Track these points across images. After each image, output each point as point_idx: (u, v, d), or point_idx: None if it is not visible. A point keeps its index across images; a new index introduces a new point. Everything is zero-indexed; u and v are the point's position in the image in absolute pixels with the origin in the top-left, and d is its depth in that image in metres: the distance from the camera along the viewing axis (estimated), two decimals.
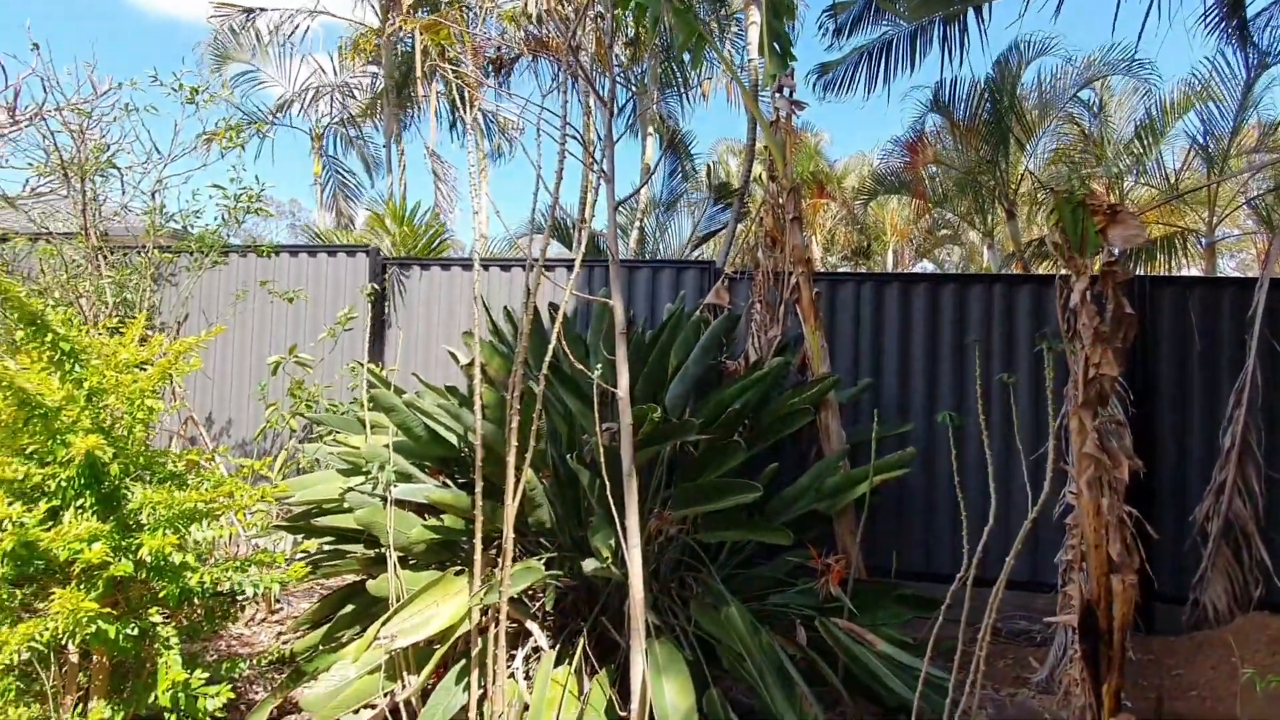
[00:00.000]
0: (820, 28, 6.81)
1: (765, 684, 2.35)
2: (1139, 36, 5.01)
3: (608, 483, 2.45)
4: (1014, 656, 3.77)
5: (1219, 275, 11.63)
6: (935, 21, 6.16)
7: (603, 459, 2.48)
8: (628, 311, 4.86)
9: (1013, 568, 2.37)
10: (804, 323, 3.95)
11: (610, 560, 2.61)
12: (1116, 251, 2.99)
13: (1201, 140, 10.37)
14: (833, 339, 4.73)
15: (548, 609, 3.18)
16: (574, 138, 2.57)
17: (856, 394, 4.34)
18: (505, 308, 4.23)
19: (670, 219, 9.74)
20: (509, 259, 5.34)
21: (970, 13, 5.97)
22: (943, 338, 4.67)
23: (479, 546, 2.59)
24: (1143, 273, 10.60)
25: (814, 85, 7.27)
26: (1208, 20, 6.53)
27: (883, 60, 6.77)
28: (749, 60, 7.99)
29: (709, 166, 10.20)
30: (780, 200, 4.14)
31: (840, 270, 14.99)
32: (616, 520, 2.40)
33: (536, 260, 2.67)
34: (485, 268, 5.23)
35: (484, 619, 2.65)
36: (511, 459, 2.47)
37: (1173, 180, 11.52)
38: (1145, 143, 11.13)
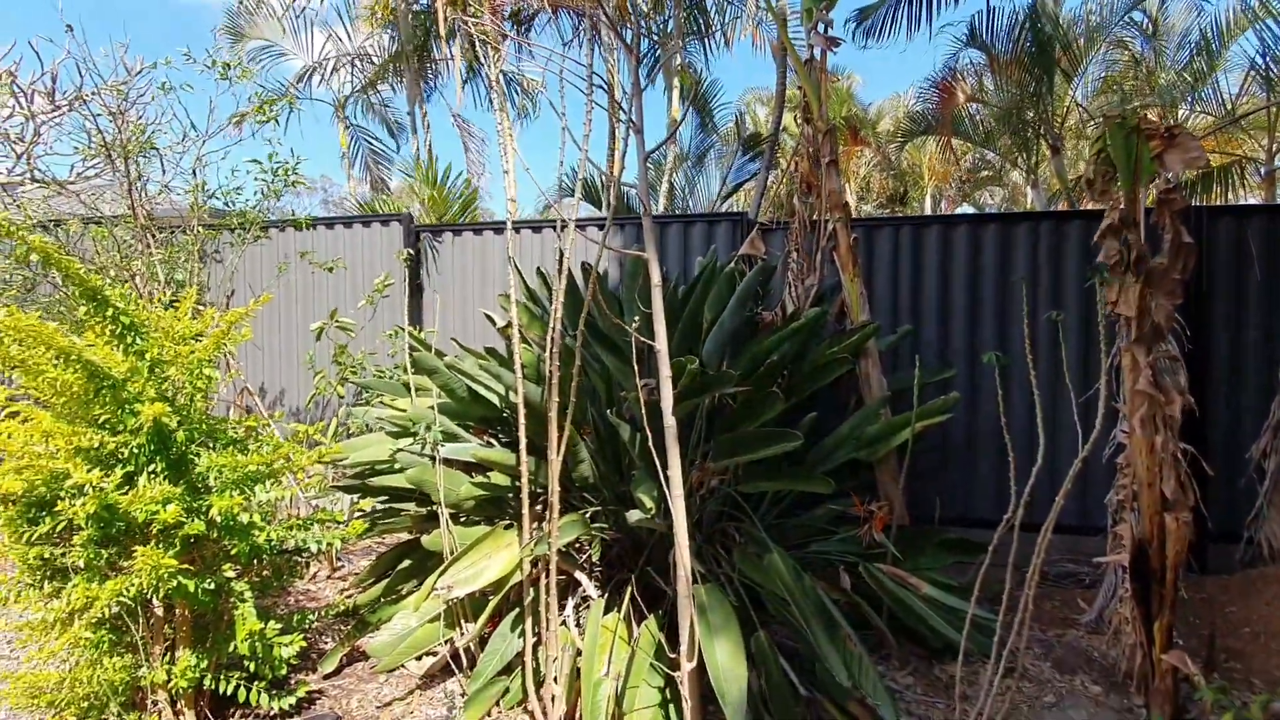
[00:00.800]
0: None
1: (809, 627, 2.39)
2: None
3: (649, 435, 2.48)
4: (1061, 599, 3.76)
5: (1279, 204, 10.97)
6: None
7: (643, 413, 2.51)
8: (661, 268, 4.84)
9: (1061, 510, 2.35)
10: (842, 270, 3.88)
11: (654, 511, 2.67)
12: (1173, 179, 2.85)
13: (1262, 62, 9.66)
14: (871, 286, 4.65)
15: (594, 560, 3.28)
16: (600, 88, 2.53)
17: (896, 341, 4.27)
18: (539, 269, 4.25)
19: (699, 173, 9.55)
20: (540, 221, 5.33)
21: None
22: (985, 281, 4.54)
23: (526, 501, 2.67)
24: (1197, 203, 10.06)
25: (853, 33, 6.94)
26: None
27: None
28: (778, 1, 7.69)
29: (737, 116, 9.93)
30: (815, 143, 4.03)
31: (876, 216, 14.64)
32: (659, 472, 2.44)
33: (568, 221, 2.66)
34: (516, 230, 5.25)
35: (534, 570, 2.74)
36: (554, 415, 2.51)
37: (1230, 106, 10.80)
38: (1201, 66, 10.44)
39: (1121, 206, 2.79)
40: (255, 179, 4.26)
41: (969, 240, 4.59)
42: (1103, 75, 11.74)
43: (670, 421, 2.47)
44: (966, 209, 18.56)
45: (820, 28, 4.02)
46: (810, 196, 4.15)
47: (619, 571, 3.23)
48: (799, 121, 4.25)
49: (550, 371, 2.55)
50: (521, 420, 2.72)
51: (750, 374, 3.23)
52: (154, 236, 4.17)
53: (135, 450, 2.39)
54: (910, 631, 3.11)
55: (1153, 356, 2.67)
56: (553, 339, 2.59)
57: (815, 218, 4.12)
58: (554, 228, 5.19)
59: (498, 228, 5.39)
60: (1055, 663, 3.09)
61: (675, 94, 9.01)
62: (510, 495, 3.18)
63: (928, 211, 18.02)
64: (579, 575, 2.99)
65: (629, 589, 2.89)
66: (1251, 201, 11.89)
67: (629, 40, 2.74)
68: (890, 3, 6.16)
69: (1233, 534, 3.97)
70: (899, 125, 15.22)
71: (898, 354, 4.53)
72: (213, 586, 2.44)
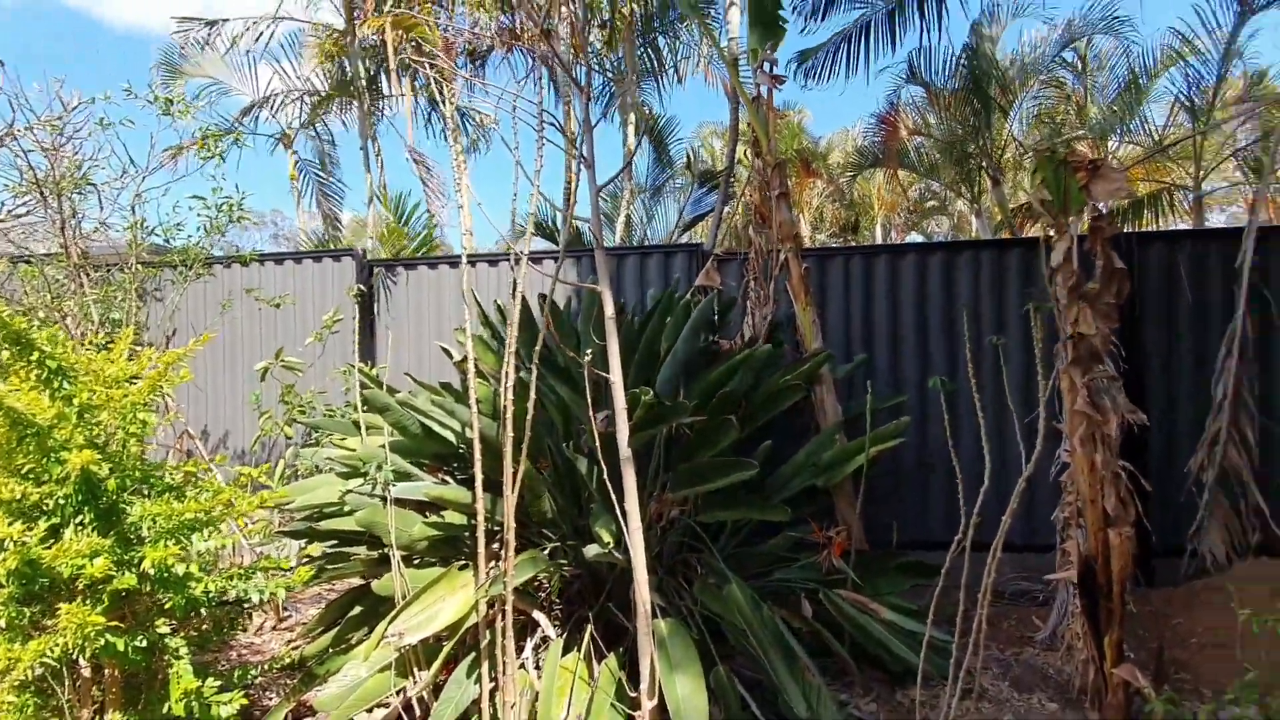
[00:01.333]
0: (795, 10, 6.75)
1: (768, 658, 2.38)
2: None
3: (605, 469, 2.46)
4: (1017, 617, 3.82)
5: (1207, 228, 11.65)
6: None
7: (599, 446, 2.49)
8: (618, 299, 4.86)
9: (1011, 529, 2.40)
10: (794, 299, 3.96)
11: (612, 545, 2.63)
12: (1103, 208, 3.01)
13: (1186, 94, 10.37)
14: (825, 314, 4.75)
15: (554, 598, 3.21)
16: (551, 124, 2.56)
17: (852, 369, 4.35)
18: (495, 302, 4.23)
19: (657, 205, 9.70)
20: (496, 254, 5.31)
21: None
22: (932, 307, 4.67)
23: (481, 540, 2.60)
24: (1129, 229, 10.60)
25: (795, 73, 7.21)
26: None
27: (863, 41, 6.68)
28: (730, 39, 7.95)
29: (690, 151, 10.11)
30: (766, 177, 4.14)
31: (829, 245, 15.05)
32: (616, 505, 2.42)
33: (523, 253, 2.66)
34: (472, 264, 5.22)
35: (491, 611, 2.67)
36: (508, 450, 2.47)
37: (1158, 137, 11.50)
38: (1129, 99, 11.13)
39: (1080, 231, 2.92)
40: (199, 215, 4.16)
41: (916, 269, 4.73)
42: (1036, 110, 12.42)
43: (626, 453, 2.46)
44: (915, 237, 19.21)
45: (766, 66, 4.16)
46: (765, 228, 4.24)
47: (580, 608, 3.17)
48: (748, 156, 4.37)
49: (505, 405, 2.52)
50: (477, 456, 2.67)
51: (706, 403, 3.25)
52: (88, 275, 4.02)
53: (61, 501, 2.26)
54: (872, 657, 3.11)
55: (1089, 378, 2.77)
56: (506, 373, 2.57)
57: (770, 248, 4.21)
58: (510, 261, 5.18)
59: (453, 261, 5.36)
60: (1013, 681, 3.12)
61: (630, 129, 9.17)
62: (466, 534, 3.11)
63: (878, 240, 18.57)
64: (537, 615, 2.92)
65: (589, 627, 2.83)
66: (1181, 227, 12.57)
67: (579, 77, 2.79)
68: (829, 47, 6.42)
69: (1176, 547, 4.10)
70: (848, 158, 15.76)
71: (852, 381, 4.61)
72: (145, 644, 2.30)
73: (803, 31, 7.12)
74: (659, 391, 3.44)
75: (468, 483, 3.12)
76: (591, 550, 2.62)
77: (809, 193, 18.27)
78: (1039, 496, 4.27)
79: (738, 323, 4.35)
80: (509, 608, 2.43)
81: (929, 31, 5.95)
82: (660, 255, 5.03)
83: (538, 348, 2.57)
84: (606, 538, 2.66)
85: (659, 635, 2.49)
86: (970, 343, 3.40)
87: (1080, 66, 12.14)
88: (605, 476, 2.47)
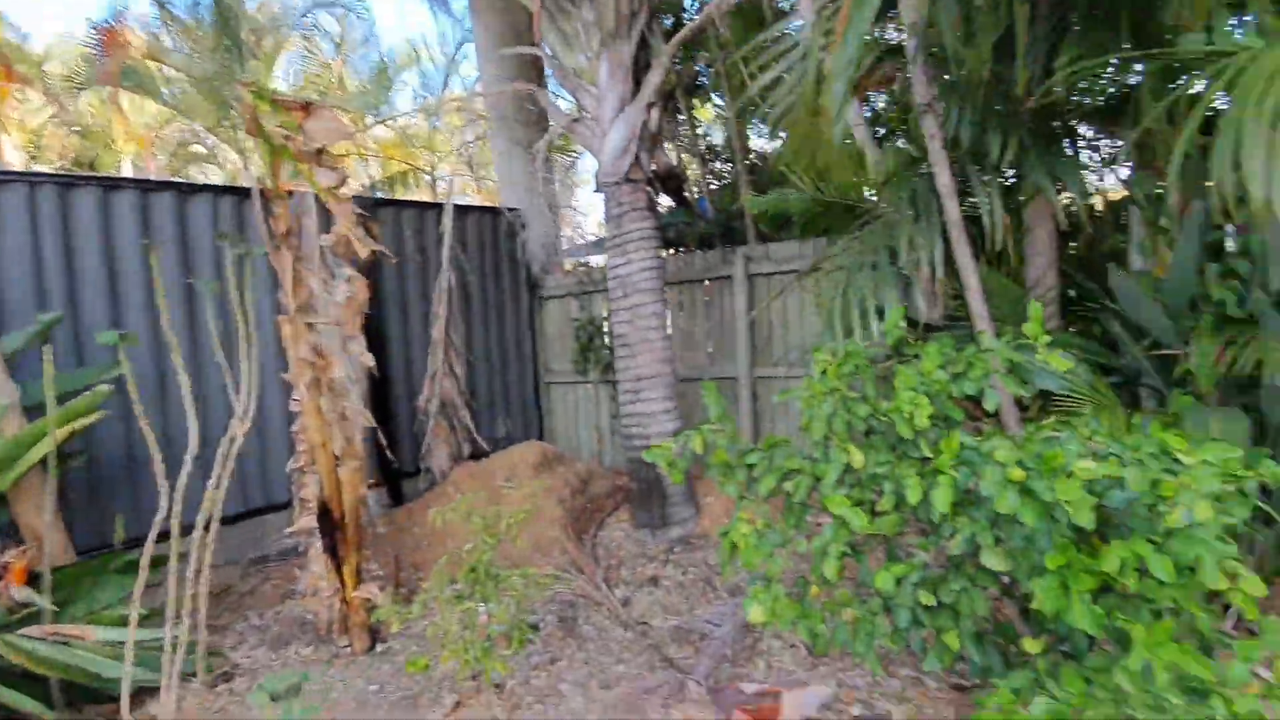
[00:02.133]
0: None
1: None
2: None
3: None
4: (281, 575, 3.76)
5: (424, 201, 14.46)
6: None
7: None
8: None
9: (272, 488, 2.21)
10: None
11: None
12: (343, 170, 3.07)
13: (422, 93, 12.51)
14: None
15: None
16: None
17: (42, 332, 3.28)
18: None
19: None
20: None
21: None
22: (166, 256, 3.99)
23: None
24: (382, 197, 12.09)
25: None
26: None
27: None
28: None
29: None
30: None
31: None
32: None
33: None
34: None
35: None
36: None
37: (401, 123, 13.42)
38: (382, 85, 12.58)
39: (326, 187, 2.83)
40: None
41: (139, 212, 3.94)
42: (303, 74, 12.61)
43: None
44: None
45: None
46: None
47: None
48: None
49: None
50: None
51: None
52: None
53: None
54: (88, 690, 2.48)
55: (311, 323, 2.83)
56: None
57: None
58: None
59: None
60: (271, 642, 3.04)
61: None
62: None
63: None
64: None
65: None
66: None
67: None
68: None
69: (416, 469, 4.86)
70: (75, 72, 12.33)
71: (56, 353, 3.52)
72: None
73: None
74: None
75: None
76: None
77: (22, 108, 13.60)
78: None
79: None
80: None
81: None
82: None
83: None
84: None
85: None
86: (162, 291, 2.83)
87: (339, 43, 12.99)
88: None
